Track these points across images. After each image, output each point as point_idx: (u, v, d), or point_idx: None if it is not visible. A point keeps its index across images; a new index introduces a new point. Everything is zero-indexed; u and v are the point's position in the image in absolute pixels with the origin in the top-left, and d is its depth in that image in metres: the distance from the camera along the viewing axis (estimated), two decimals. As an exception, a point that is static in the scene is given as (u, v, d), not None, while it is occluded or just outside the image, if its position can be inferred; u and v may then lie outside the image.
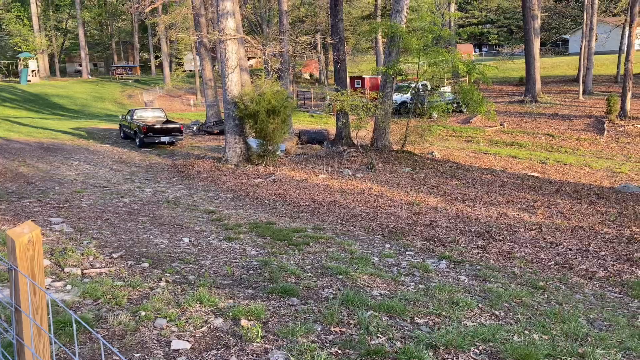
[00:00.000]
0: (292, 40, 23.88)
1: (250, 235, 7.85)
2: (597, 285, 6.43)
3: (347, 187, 13.31)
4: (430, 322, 4.37)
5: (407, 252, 7.53)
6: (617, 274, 6.83)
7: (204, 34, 23.02)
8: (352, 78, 36.51)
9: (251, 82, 21.20)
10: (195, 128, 26.95)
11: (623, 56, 31.17)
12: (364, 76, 38.42)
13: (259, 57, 24.13)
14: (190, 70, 55.05)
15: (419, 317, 4.45)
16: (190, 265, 5.75)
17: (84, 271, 5.16)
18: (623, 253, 7.75)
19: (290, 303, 4.57)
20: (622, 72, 31.22)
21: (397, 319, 4.35)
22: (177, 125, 21.48)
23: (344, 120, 20.14)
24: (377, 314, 4.36)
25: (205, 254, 6.44)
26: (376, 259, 6.87)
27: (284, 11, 22.83)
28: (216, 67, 30.34)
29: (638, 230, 9.25)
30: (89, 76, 61.13)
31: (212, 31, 20.56)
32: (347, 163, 16.99)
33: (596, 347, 4.03)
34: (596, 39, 36.58)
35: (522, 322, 4.59)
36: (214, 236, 7.62)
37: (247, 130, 17.00)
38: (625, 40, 30.49)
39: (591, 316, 5.02)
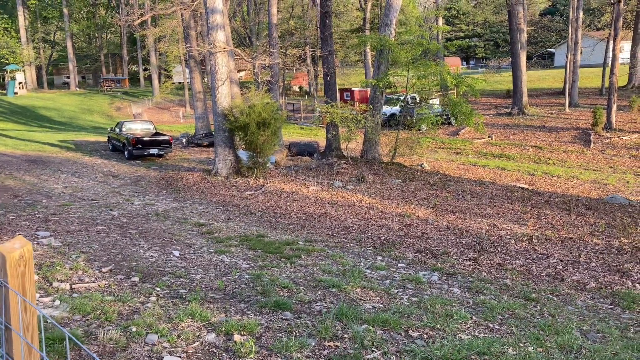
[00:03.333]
0: (281, 53, 23.99)
1: (241, 248, 7.78)
2: (589, 296, 6.44)
3: (337, 199, 13.29)
4: (425, 335, 4.34)
5: (399, 265, 7.50)
6: (608, 285, 6.86)
7: (193, 46, 23.03)
8: (342, 90, 36.69)
9: (241, 94, 21.23)
10: (184, 140, 26.84)
11: (608, 69, 31.67)
12: (353, 89, 38.62)
13: (249, 70, 24.24)
14: (180, 83, 54.99)
15: (413, 331, 4.42)
16: (181, 279, 5.67)
17: (73, 286, 5.07)
18: (613, 264, 7.79)
19: (284, 317, 4.52)
20: (607, 85, 31.72)
21: (392, 333, 4.31)
22: (166, 138, 21.38)
23: (334, 132, 20.20)
24: (371, 328, 4.32)
25: (196, 267, 6.36)
26: (368, 271, 6.84)
27: (273, 24, 22.94)
28: (205, 79, 30.38)
29: (627, 241, 9.32)
30: (77, 88, 60.83)
31: (202, 44, 20.57)
32: (337, 175, 16.99)
33: (591, 359, 4.02)
34: (581, 52, 37.18)
35: (517, 335, 4.58)
36: (204, 249, 7.54)
37: (237, 143, 16.96)
38: (610, 54, 31.01)
39: (584, 328, 5.02)
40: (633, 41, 36.31)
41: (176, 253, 7.09)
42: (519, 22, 33.08)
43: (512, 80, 34.60)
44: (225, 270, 6.31)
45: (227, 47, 17.00)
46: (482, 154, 24.78)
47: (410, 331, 4.39)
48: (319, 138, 26.54)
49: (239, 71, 29.74)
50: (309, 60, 50.38)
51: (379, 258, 7.87)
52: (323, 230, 9.99)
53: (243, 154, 17.08)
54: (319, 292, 5.51)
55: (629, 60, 37.53)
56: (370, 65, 39.47)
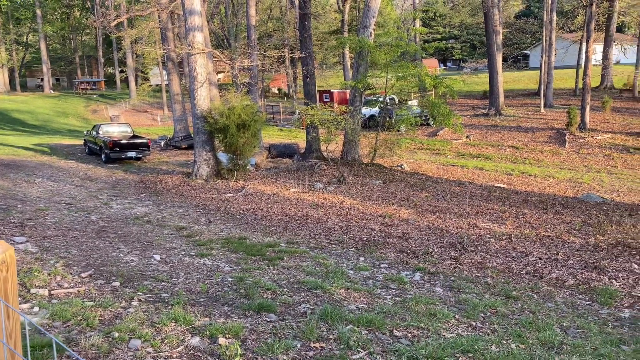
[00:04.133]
0: (260, 55, 23.87)
1: (223, 251, 7.72)
2: (568, 293, 6.56)
3: (318, 200, 13.29)
4: (409, 334, 4.37)
5: (381, 265, 7.53)
6: (585, 281, 6.99)
7: (171, 48, 22.81)
8: (321, 92, 36.76)
9: (220, 96, 21.09)
10: (162, 143, 26.56)
11: (581, 70, 32.35)
12: (332, 90, 38.73)
13: (228, 72, 24.07)
14: (157, 85, 54.38)
15: (397, 330, 4.43)
16: (163, 283, 5.60)
17: (52, 292, 4.96)
18: (590, 261, 7.95)
19: (268, 319, 4.50)
20: (580, 86, 32.41)
21: (377, 333, 4.32)
22: (144, 140, 21.13)
23: (314, 134, 20.21)
24: (356, 328, 4.33)
25: (177, 271, 6.29)
26: (351, 272, 6.85)
27: (251, 26, 22.86)
28: (184, 81, 30.11)
29: (602, 238, 9.52)
30: (51, 91, 59.66)
31: (180, 45, 20.39)
32: (318, 176, 17.00)
33: (572, 355, 4.09)
34: (555, 54, 37.91)
35: (499, 332, 4.64)
36: (185, 253, 7.46)
37: (216, 145, 16.85)
38: (583, 56, 31.68)
39: (564, 324, 5.11)
40: (605, 43, 37.16)
41: (157, 257, 7.00)
42: (494, 24, 33.57)
43: (488, 81, 35.09)
44: (208, 273, 6.26)
45: (206, 48, 16.88)
46: (460, 155, 25.06)
47: (394, 331, 4.41)
48: (299, 140, 26.53)
49: (217, 73, 29.58)
50: (287, 62, 50.34)
51: (362, 259, 7.89)
52: (305, 232, 9.98)
53: (223, 156, 16.97)
54: (303, 294, 5.50)
55: (601, 61, 38.38)
56: (349, 67, 39.60)
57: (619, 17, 40.23)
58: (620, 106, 32.25)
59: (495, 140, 27.71)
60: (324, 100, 36.58)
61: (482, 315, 5.19)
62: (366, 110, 27.38)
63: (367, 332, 4.32)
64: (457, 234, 9.72)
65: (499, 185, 17.28)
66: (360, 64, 19.63)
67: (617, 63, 44.82)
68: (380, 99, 24.12)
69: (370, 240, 9.26)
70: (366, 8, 19.70)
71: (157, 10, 22.73)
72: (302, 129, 27.48)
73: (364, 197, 14.04)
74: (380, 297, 5.66)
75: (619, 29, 46.97)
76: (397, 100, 28.77)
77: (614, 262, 7.86)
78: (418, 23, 44.05)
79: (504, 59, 47.79)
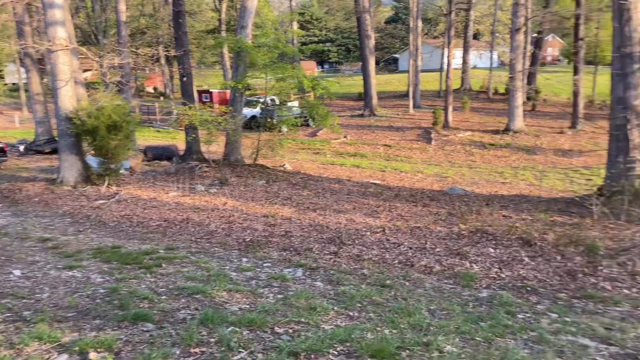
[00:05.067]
0: (132, 52, 22.65)
1: (94, 262, 7.25)
2: (435, 279, 7.12)
3: (200, 203, 12.99)
4: (290, 330, 4.46)
5: (264, 264, 7.58)
6: (450, 267, 7.64)
7: (29, 43, 20.81)
8: (200, 92, 35.85)
9: (88, 95, 19.70)
10: (22, 147, 24.16)
11: (444, 74, 35.15)
12: (212, 90, 37.96)
13: (96, 70, 22.52)
14: (14, 84, 49.24)
15: (279, 327, 4.51)
16: (25, 301, 5.12)
17: None
18: (454, 248, 8.69)
19: (145, 329, 4.32)
20: (443, 88, 35.19)
21: (258, 332, 4.36)
22: (0, 145, 19.06)
23: (194, 135, 19.66)
24: (237, 329, 4.33)
25: (41, 286, 5.79)
26: (234, 274, 6.81)
27: (122, 22, 21.63)
28: (45, 79, 27.64)
29: (464, 227, 10.45)
30: None
31: (39, 41, 18.69)
32: (199, 179, 16.59)
33: (438, 335, 4.46)
34: (421, 58, 40.79)
35: (374, 320, 4.91)
36: (51, 266, 6.88)
37: (85, 148, 15.70)
38: (445, 60, 34.48)
39: (432, 307, 5.55)
40: (464, 49, 40.80)
41: (17, 272, 6.38)
42: (366, 29, 35.21)
43: (363, 83, 36.74)
44: (77, 286, 5.84)
45: (70, 45, 15.65)
46: (339, 154, 25.97)
47: (276, 328, 4.48)
48: (178, 141, 25.65)
49: (84, 71, 27.52)
50: (162, 61, 48.43)
51: (245, 260, 7.88)
52: (185, 237, 9.71)
53: (92, 161, 15.86)
54: (183, 300, 5.36)
55: (461, 66, 42.02)
56: (229, 67, 39.16)
57: (474, 26, 44.42)
58: (477, 106, 35.63)
59: (370, 139, 29.13)
60: (204, 100, 35.72)
61: (359, 305, 5.46)
62: (247, 111, 27.24)
63: (248, 332, 4.33)
64: (336, 229, 10.08)
65: (374, 181, 18.21)
66: (239, 64, 19.48)
67: (475, 67, 49.39)
68: (262, 100, 24.14)
69: (254, 241, 9.26)
70: (242, 8, 19.60)
71: (12, 1, 20.61)
72: (181, 130, 26.60)
73: (247, 198, 13.99)
74: (262, 296, 5.71)
75: (475, 37, 51.86)
76: (277, 101, 29.00)
77: (474, 248, 8.66)
78: (295, 25, 44.86)
79: (377, 62, 50.32)
